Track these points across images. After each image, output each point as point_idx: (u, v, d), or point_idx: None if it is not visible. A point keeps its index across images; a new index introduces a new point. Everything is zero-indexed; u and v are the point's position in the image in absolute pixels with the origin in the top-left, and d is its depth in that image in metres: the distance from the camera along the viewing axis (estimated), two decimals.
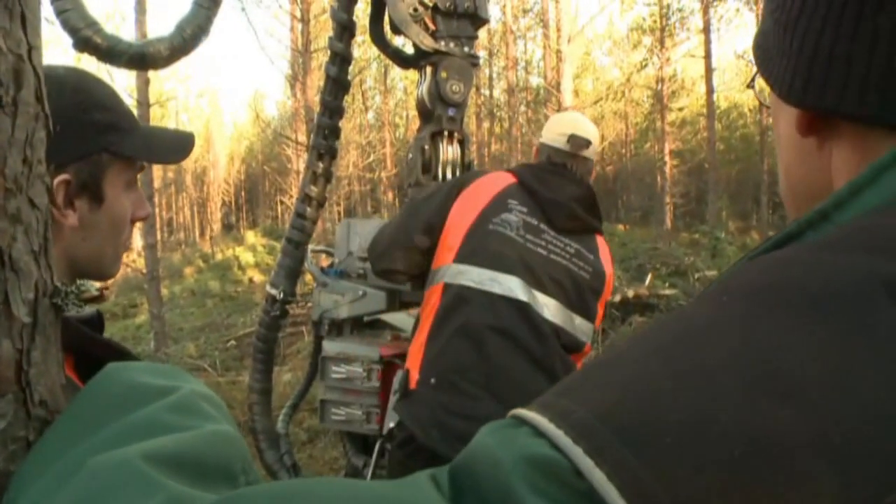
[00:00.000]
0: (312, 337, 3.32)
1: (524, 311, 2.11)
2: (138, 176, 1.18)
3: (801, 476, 0.29)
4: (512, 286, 2.12)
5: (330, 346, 2.98)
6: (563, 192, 2.28)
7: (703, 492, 0.28)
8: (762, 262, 0.43)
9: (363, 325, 3.25)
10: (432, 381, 2.12)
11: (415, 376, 2.18)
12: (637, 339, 0.39)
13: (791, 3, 0.52)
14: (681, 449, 0.29)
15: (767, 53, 0.57)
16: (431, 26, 2.97)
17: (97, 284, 0.80)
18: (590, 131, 2.41)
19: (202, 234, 39.83)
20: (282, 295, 3.24)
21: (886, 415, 0.30)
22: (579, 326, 2.22)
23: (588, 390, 0.35)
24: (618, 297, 8.93)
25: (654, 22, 21.38)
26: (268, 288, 3.29)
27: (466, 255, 2.17)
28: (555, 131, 2.41)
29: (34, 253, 0.55)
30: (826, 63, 0.50)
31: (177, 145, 1.43)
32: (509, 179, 2.31)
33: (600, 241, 2.38)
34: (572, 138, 2.35)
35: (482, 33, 3.17)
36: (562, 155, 2.38)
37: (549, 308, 2.15)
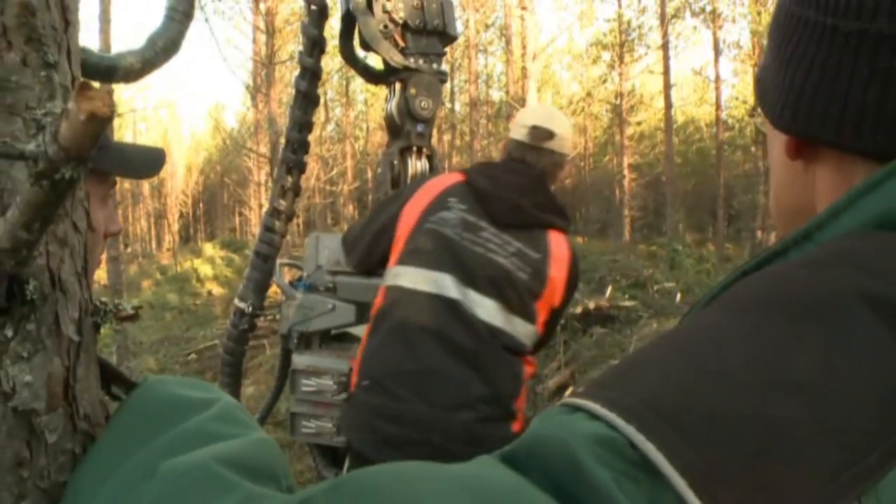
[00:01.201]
0: (280, 350, 3.32)
1: (456, 309, 2.04)
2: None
3: (807, 450, 0.36)
4: (444, 284, 2.06)
5: (300, 360, 2.99)
6: (507, 186, 2.15)
7: (730, 463, 0.36)
8: (761, 277, 0.50)
9: (331, 339, 3.26)
10: (365, 383, 2.09)
11: (353, 380, 2.17)
12: (661, 342, 0.46)
13: (787, 44, 0.61)
14: (711, 429, 0.37)
15: (765, 85, 0.66)
16: (401, 43, 3.01)
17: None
18: (556, 123, 2.26)
19: (159, 246, 39.28)
20: (250, 308, 3.24)
21: (866, 401, 0.38)
22: (519, 328, 2.11)
23: (628, 383, 0.42)
24: (579, 309, 9.03)
25: (614, 38, 21.70)
26: (236, 301, 3.29)
27: (404, 256, 2.14)
28: (519, 123, 2.30)
29: (78, 274, 0.58)
30: (811, 98, 0.59)
31: (149, 160, 1.45)
32: (456, 178, 2.23)
33: (555, 239, 2.19)
34: (533, 129, 2.22)
35: None
36: (522, 148, 2.25)
37: (484, 308, 2.06)
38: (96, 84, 0.39)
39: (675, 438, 0.36)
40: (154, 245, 40.17)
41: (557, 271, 2.15)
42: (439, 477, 0.40)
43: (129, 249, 34.00)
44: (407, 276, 2.11)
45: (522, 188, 2.15)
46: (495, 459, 0.42)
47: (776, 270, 0.51)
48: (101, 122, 0.37)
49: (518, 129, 2.27)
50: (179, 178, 39.59)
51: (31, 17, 0.41)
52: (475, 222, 2.11)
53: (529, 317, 2.12)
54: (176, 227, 36.35)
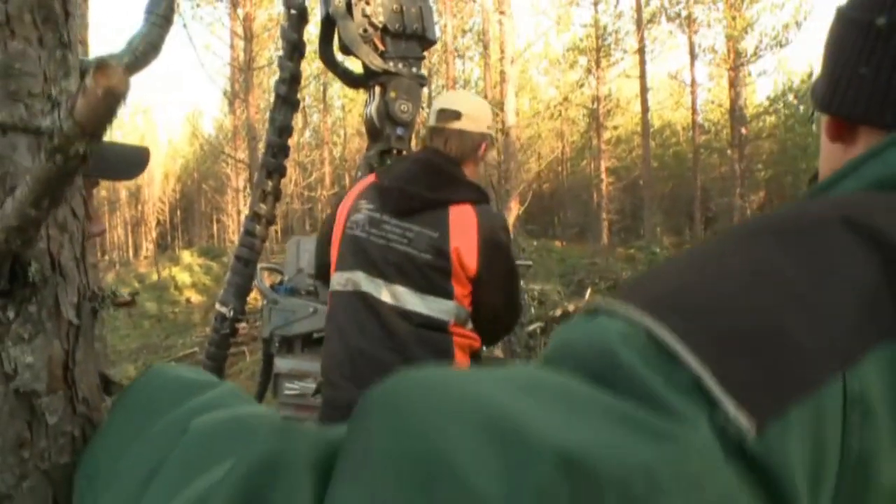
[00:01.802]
0: (262, 354, 3.33)
1: (368, 301, 2.21)
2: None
3: (794, 330, 0.42)
4: (358, 280, 2.23)
5: (282, 363, 3.00)
6: (399, 176, 2.24)
7: (734, 342, 0.41)
8: (767, 214, 0.56)
9: (313, 342, 3.27)
10: (322, 381, 2.35)
11: None
12: (668, 260, 0.53)
13: (833, 40, 0.73)
14: (715, 317, 0.42)
15: (817, 80, 0.77)
16: (381, 47, 3.03)
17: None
18: (464, 104, 2.31)
19: (136, 254, 38.97)
20: (232, 313, 3.24)
21: (844, 298, 0.44)
22: (435, 306, 2.19)
23: (641, 287, 0.48)
24: (559, 312, 9.08)
25: (591, 42, 21.83)
26: (217, 306, 3.29)
27: (336, 263, 2.34)
28: (431, 111, 2.37)
29: (77, 259, 0.59)
30: (846, 82, 0.69)
31: (133, 160, 1.42)
32: (370, 180, 2.35)
33: (457, 212, 2.19)
34: (439, 112, 2.29)
35: None
36: (431, 133, 2.31)
37: (394, 294, 2.20)
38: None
39: (685, 324, 0.41)
40: (132, 253, 39.84)
41: (462, 241, 2.17)
42: (477, 371, 0.43)
43: (106, 257, 33.69)
44: (335, 280, 2.32)
45: (411, 175, 2.24)
46: (527, 366, 0.46)
47: (777, 210, 0.57)
48: (117, 97, 0.39)
49: (430, 116, 2.37)
50: (156, 185, 39.35)
51: None
52: (379, 218, 2.24)
53: (444, 294, 2.20)
54: (153, 234, 36.12)
